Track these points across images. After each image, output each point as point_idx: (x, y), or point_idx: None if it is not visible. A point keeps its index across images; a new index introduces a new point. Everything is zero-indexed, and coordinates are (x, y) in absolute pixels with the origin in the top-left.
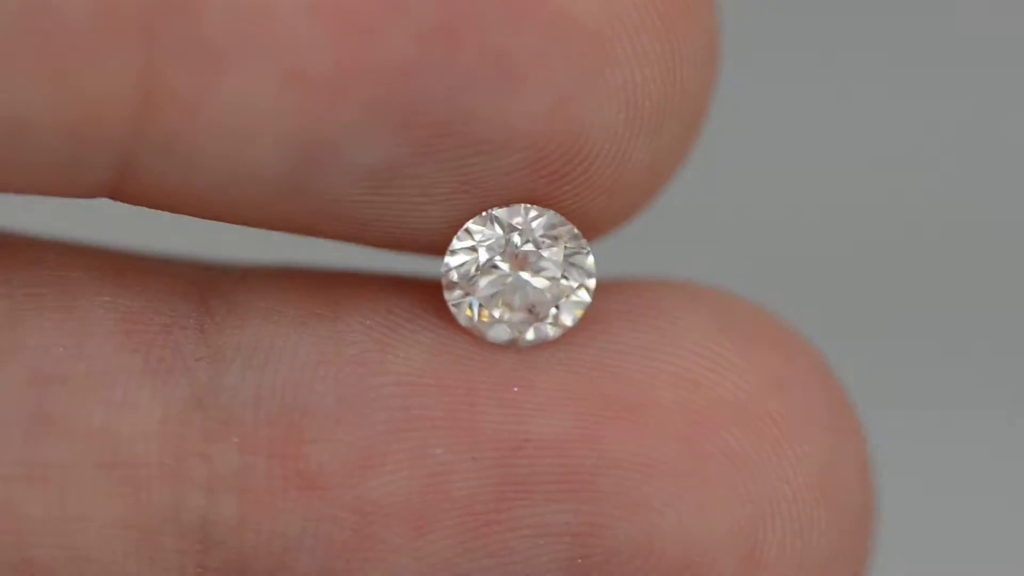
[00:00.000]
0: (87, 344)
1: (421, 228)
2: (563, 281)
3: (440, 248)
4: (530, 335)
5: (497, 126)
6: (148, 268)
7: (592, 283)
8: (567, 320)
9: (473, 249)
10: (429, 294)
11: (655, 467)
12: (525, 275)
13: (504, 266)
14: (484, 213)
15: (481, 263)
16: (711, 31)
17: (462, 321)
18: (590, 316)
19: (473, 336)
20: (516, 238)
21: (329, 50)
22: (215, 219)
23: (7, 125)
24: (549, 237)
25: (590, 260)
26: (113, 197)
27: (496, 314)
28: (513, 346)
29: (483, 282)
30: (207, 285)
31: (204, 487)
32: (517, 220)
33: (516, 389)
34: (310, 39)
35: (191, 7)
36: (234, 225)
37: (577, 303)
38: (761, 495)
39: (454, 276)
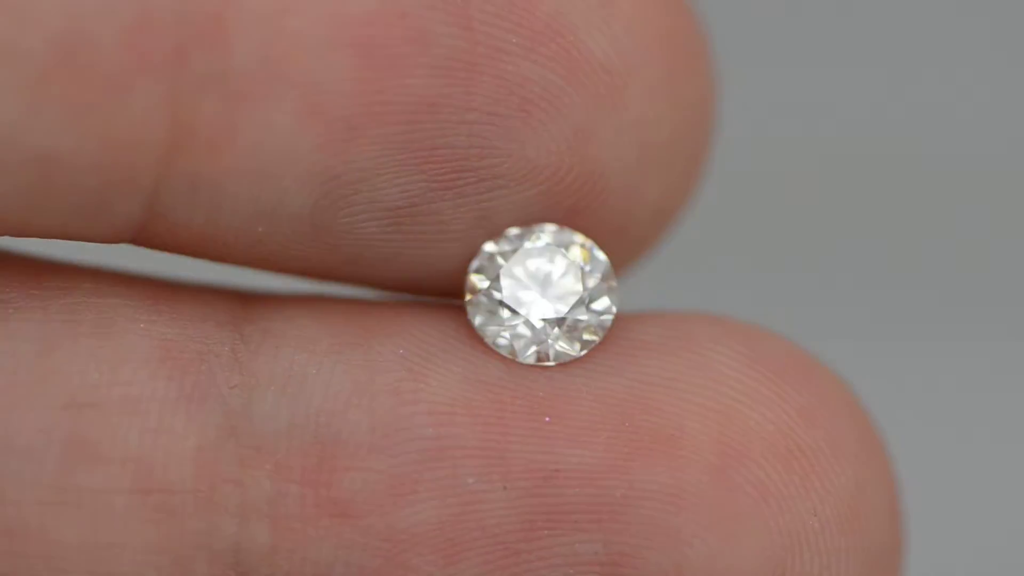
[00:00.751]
0: (122, 370)
1: (439, 266)
2: (586, 295)
3: (455, 288)
4: (558, 349)
5: (514, 160)
6: (183, 295)
7: (616, 297)
8: (594, 336)
9: (492, 257)
10: (462, 322)
11: (685, 498)
12: (547, 293)
13: (527, 285)
14: (501, 234)
15: (504, 286)
16: (711, 76)
17: (489, 342)
18: (622, 346)
19: (504, 360)
20: (535, 255)
21: (350, 84)
22: (237, 264)
23: (36, 161)
24: (565, 248)
25: (608, 270)
26: (136, 241)
27: (521, 332)
28: (542, 364)
29: (507, 306)
30: (242, 313)
31: (237, 514)
32: (533, 237)
33: (548, 419)
34: (332, 73)
35: (219, 43)
36: (259, 270)
37: (603, 318)
38: (789, 527)
39: (477, 303)
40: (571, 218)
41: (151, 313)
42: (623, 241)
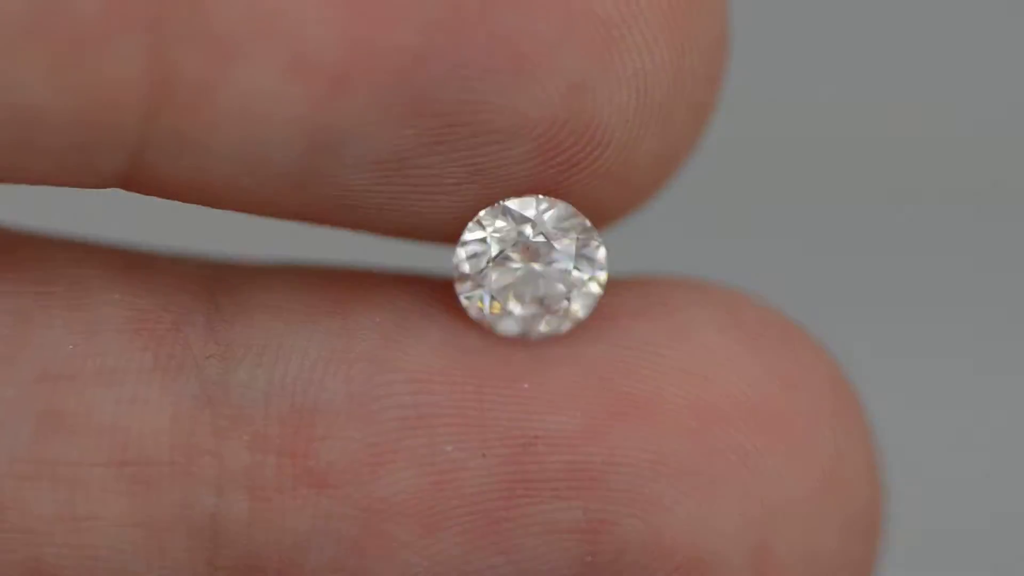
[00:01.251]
0: (96, 342)
1: (431, 217)
2: (575, 273)
3: (450, 237)
4: (541, 328)
5: (507, 115)
6: (157, 265)
7: (603, 276)
8: (579, 313)
9: (484, 241)
10: (439, 291)
11: (664, 464)
12: (536, 267)
13: (515, 258)
14: (495, 204)
15: (492, 255)
16: (721, 20)
17: (473, 314)
18: (601, 312)
19: (483, 330)
20: (528, 230)
21: (338, 37)
22: (227, 208)
23: (17, 112)
24: (560, 229)
25: (602, 252)
26: (125, 187)
27: (507, 307)
28: (524, 340)
29: (494, 275)
30: (217, 283)
31: (214, 485)
32: (529, 212)
33: (526, 386)
34: (319, 26)
35: None
36: (246, 215)
37: (589, 295)
38: (770, 492)
39: (465, 268)
40: (567, 171)
41: (125, 283)
42: (621, 192)
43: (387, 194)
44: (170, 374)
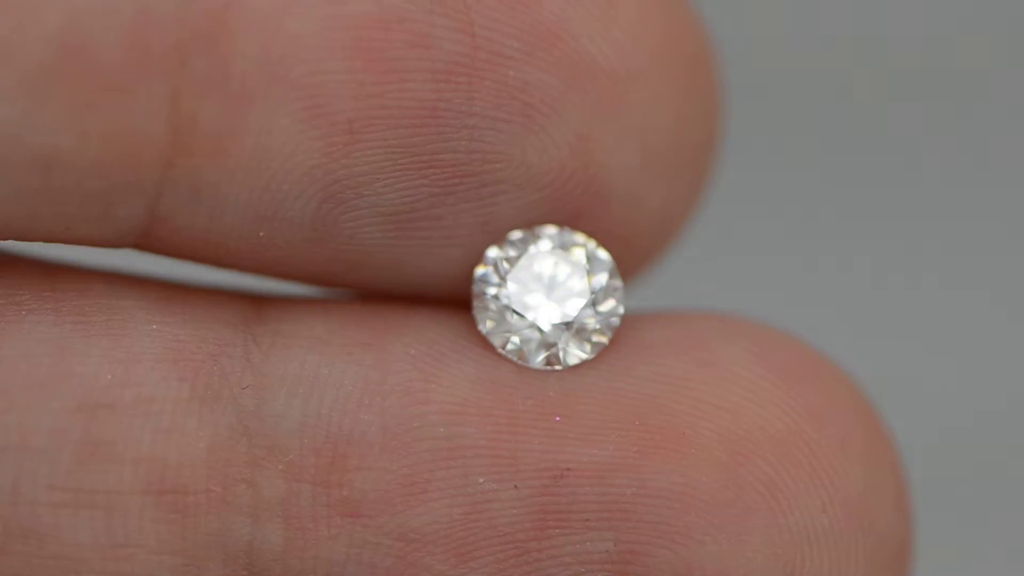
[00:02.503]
0: (134, 372)
1: (442, 271)
2: (592, 296)
3: (459, 294)
4: (568, 352)
5: (516, 165)
6: (195, 297)
7: (620, 291)
8: (602, 338)
9: (497, 278)
10: (471, 324)
11: (695, 496)
12: (553, 295)
13: (532, 288)
14: (504, 239)
15: (510, 290)
16: (716, 80)
17: (498, 348)
18: (630, 346)
19: (516, 365)
20: (539, 259)
21: (352, 88)
22: (240, 270)
23: (39, 156)
24: (568, 249)
25: (613, 270)
26: (140, 246)
27: (530, 336)
28: (552, 369)
29: (514, 309)
30: (253, 314)
31: (250, 514)
32: (538, 241)
33: (558, 419)
34: (333, 76)
35: (219, 46)
36: (262, 276)
37: (610, 320)
38: (798, 524)
39: (484, 308)
40: (573, 223)
41: (163, 314)
42: (628, 249)
43: (399, 248)
44: (207, 404)
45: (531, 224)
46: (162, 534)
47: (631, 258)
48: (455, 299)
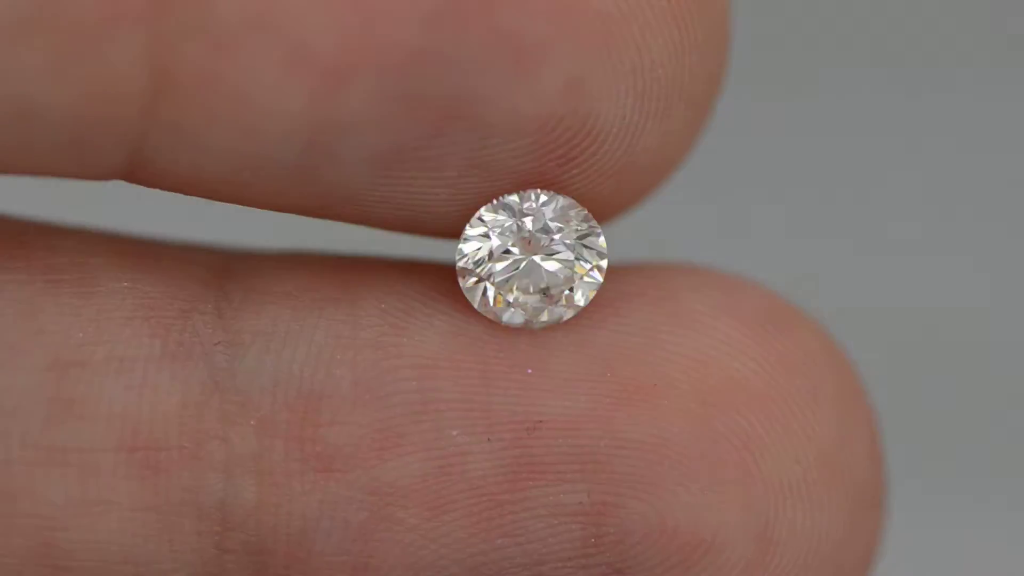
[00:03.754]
0: (106, 329)
1: (431, 211)
2: (576, 263)
3: (450, 230)
4: (544, 317)
5: (506, 109)
6: (166, 254)
7: (604, 263)
8: (580, 300)
9: (486, 236)
10: (444, 278)
11: (667, 447)
12: (538, 259)
13: (516, 251)
14: (496, 200)
15: (494, 249)
16: (721, 16)
17: (477, 306)
18: (602, 299)
19: (488, 320)
20: (528, 223)
21: (336, 32)
22: (228, 202)
23: (19, 106)
24: (560, 220)
25: (601, 241)
26: (127, 180)
27: (510, 298)
28: (527, 328)
29: (497, 267)
30: (225, 271)
31: (223, 470)
32: (528, 205)
33: (530, 371)
34: (317, 21)
35: None
36: (248, 208)
37: (590, 284)
38: (772, 474)
39: (468, 262)
40: (565, 166)
41: (134, 272)
42: (622, 185)
43: (387, 188)
44: (179, 361)
45: (522, 166)
46: (135, 491)
47: (622, 197)
48: (448, 233)
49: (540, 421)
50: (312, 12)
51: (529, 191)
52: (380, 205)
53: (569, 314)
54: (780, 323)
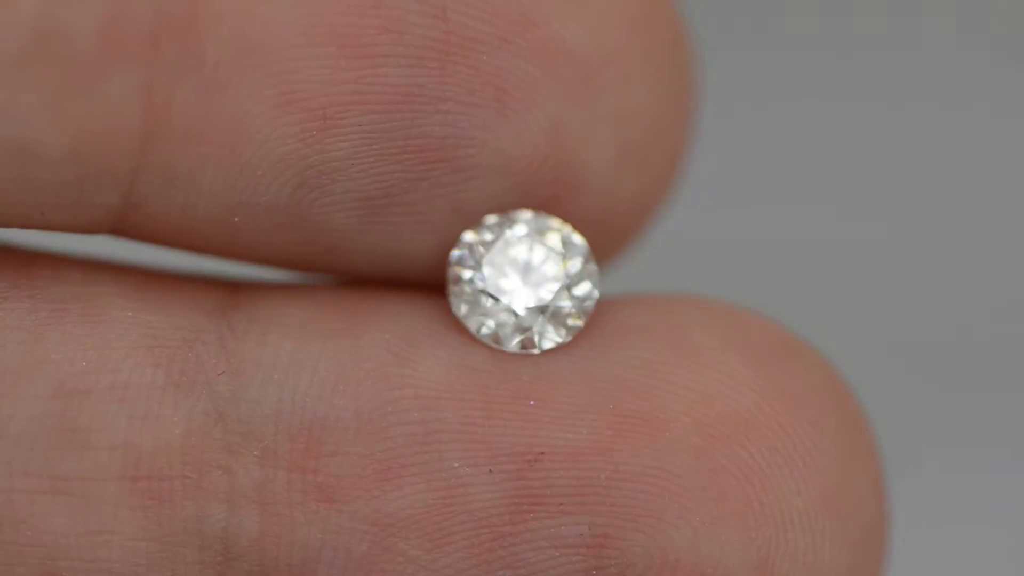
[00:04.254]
0: (110, 358)
1: (416, 256)
2: (567, 280)
3: (433, 278)
4: (543, 336)
5: (489, 150)
6: (170, 285)
7: (595, 275)
8: (578, 321)
9: (472, 263)
10: (446, 308)
11: (669, 480)
12: (528, 279)
13: (507, 273)
14: (480, 223)
15: (485, 274)
16: (690, 65)
17: (473, 332)
18: (605, 330)
19: (490, 350)
20: (514, 243)
21: (326, 72)
22: (216, 255)
23: (13, 144)
24: (548, 239)
25: (588, 254)
26: (115, 232)
27: (505, 320)
28: (528, 353)
29: (489, 294)
30: (228, 301)
31: (225, 500)
32: (513, 225)
33: (532, 403)
34: (308, 60)
35: (193, 33)
36: (236, 261)
37: (585, 299)
38: (773, 507)
39: (459, 292)
40: (548, 208)
41: (139, 301)
42: (602, 233)
43: (374, 233)
44: (182, 391)
45: (505, 208)
46: (138, 520)
47: (606, 242)
48: (430, 283)
49: (542, 453)
50: (302, 50)
51: (512, 212)
52: (366, 253)
53: (567, 335)
54: (783, 356)
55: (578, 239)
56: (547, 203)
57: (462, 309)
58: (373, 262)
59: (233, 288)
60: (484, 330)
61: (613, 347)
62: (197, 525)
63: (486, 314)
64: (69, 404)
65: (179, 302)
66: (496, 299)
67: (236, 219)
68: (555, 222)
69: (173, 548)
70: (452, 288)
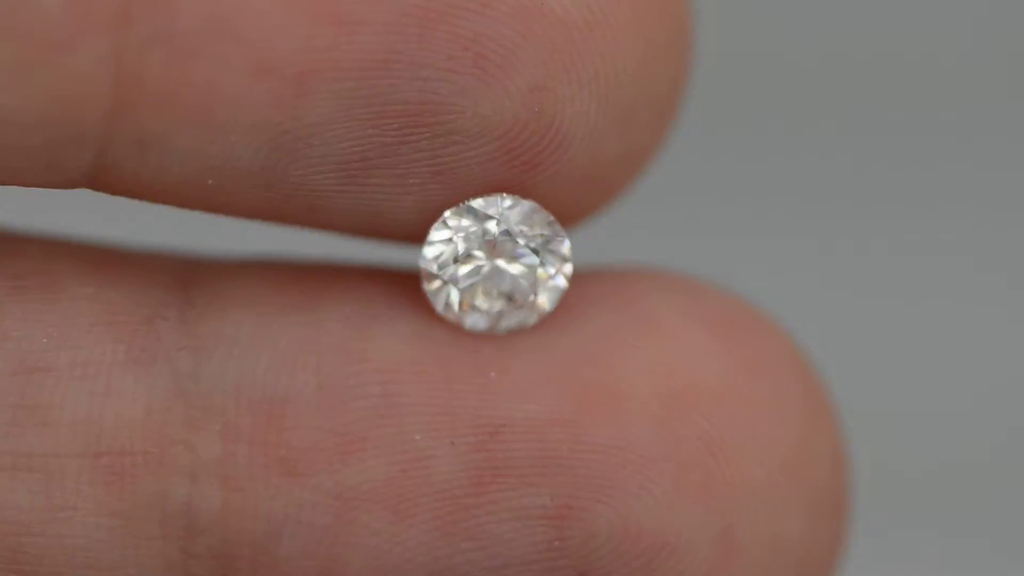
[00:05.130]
0: (70, 335)
1: (395, 218)
2: (540, 268)
3: (415, 237)
4: (508, 322)
5: (469, 116)
6: (130, 260)
7: (569, 268)
8: (545, 306)
9: (450, 240)
10: (408, 284)
11: (631, 451)
12: (502, 263)
13: (481, 255)
14: (460, 204)
15: (458, 253)
16: (684, 22)
17: (440, 310)
18: (566, 303)
19: (452, 324)
20: (492, 227)
21: (300, 40)
22: (192, 209)
23: None
24: (525, 225)
25: (566, 246)
26: (92, 188)
27: (474, 303)
28: (491, 334)
29: (461, 272)
30: (189, 276)
31: (187, 475)
32: (492, 210)
33: (493, 375)
34: (281, 28)
35: (164, 2)
36: (213, 215)
37: (554, 288)
38: (735, 478)
39: (432, 267)
40: (530, 171)
41: (98, 278)
42: (587, 191)
43: (352, 195)
44: (143, 366)
45: (487, 172)
46: (100, 496)
47: (589, 199)
48: (412, 240)
49: (503, 425)
50: (276, 18)
51: (494, 195)
52: (345, 212)
53: (533, 319)
54: (744, 327)
55: (555, 227)
56: (530, 166)
57: (430, 287)
58: (353, 220)
59: (193, 264)
60: (450, 309)
61: (574, 319)
62: (160, 500)
63: (452, 296)
64: (29, 381)
65: (139, 278)
66: (466, 283)
67: (210, 181)
68: (532, 205)
69: (136, 523)
70: (424, 267)
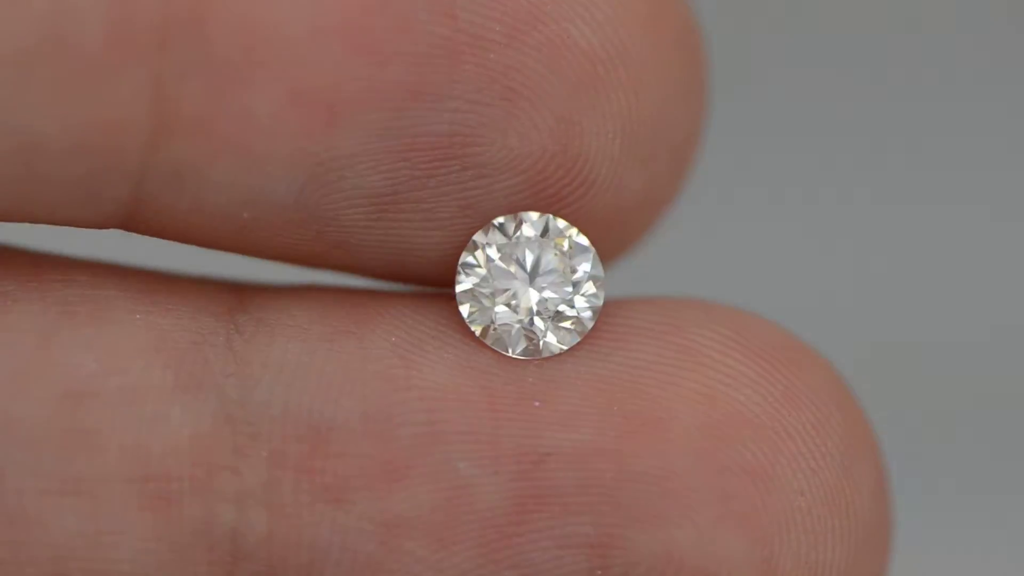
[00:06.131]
0: (119, 361)
1: (424, 254)
2: (573, 284)
3: (442, 277)
4: (548, 341)
5: (498, 148)
6: (178, 287)
7: (601, 283)
8: (586, 323)
9: (481, 264)
10: (452, 310)
11: (673, 480)
12: (535, 282)
13: (514, 275)
14: (488, 225)
15: (493, 276)
16: (701, 64)
17: (479, 335)
18: (610, 333)
19: (496, 351)
20: (522, 244)
21: (332, 69)
22: (225, 249)
23: (22, 142)
24: (553, 239)
25: (597, 263)
26: (125, 227)
27: (511, 323)
28: (533, 356)
29: (496, 296)
30: (236, 303)
31: (233, 501)
32: (523, 228)
33: (537, 403)
34: (314, 58)
35: (201, 28)
36: (244, 256)
37: (592, 303)
38: (777, 508)
39: (467, 293)
40: (555, 206)
41: (147, 304)
42: (610, 231)
43: (381, 230)
44: (191, 392)
45: (513, 207)
46: (147, 522)
47: (613, 241)
48: (438, 281)
49: (547, 454)
50: (308, 48)
51: (520, 213)
52: (373, 249)
53: (573, 339)
54: (786, 358)
55: (584, 241)
56: (555, 200)
57: (468, 311)
58: (382, 259)
59: (240, 290)
60: (489, 333)
61: (617, 348)
62: (206, 526)
63: (491, 317)
64: (78, 406)
65: (186, 304)
66: (502, 303)
67: (245, 214)
68: (562, 224)
69: (182, 549)
70: (459, 290)
